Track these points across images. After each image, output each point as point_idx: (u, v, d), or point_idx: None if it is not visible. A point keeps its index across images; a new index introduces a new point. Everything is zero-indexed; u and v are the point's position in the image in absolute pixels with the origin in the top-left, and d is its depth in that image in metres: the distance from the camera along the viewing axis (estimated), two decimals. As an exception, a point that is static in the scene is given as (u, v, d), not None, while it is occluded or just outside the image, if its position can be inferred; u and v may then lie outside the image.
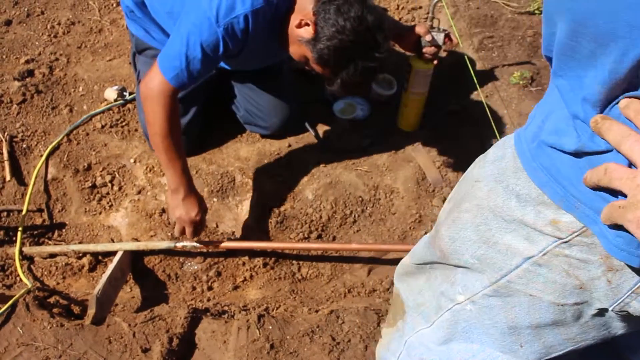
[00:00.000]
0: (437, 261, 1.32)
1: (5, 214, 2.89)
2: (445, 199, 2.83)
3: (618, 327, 1.12)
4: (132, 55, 3.02)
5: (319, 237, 2.79)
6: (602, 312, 1.06)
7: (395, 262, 2.71)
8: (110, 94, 3.20)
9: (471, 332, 1.29)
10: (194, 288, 2.72)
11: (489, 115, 2.97)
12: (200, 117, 2.92)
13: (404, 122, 3.08)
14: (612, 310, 1.03)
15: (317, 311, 2.46)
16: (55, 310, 2.39)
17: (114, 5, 3.75)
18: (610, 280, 0.98)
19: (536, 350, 1.21)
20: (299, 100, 3.11)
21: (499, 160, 1.12)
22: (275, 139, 3.06)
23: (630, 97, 0.82)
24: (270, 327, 2.23)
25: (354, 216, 2.84)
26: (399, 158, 3.00)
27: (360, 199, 2.86)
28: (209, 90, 2.94)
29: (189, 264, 2.77)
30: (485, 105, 3.05)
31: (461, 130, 3.09)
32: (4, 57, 3.45)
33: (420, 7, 3.66)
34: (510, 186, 1.06)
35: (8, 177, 2.95)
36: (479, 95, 3.15)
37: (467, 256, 1.19)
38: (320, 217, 2.81)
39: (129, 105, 3.21)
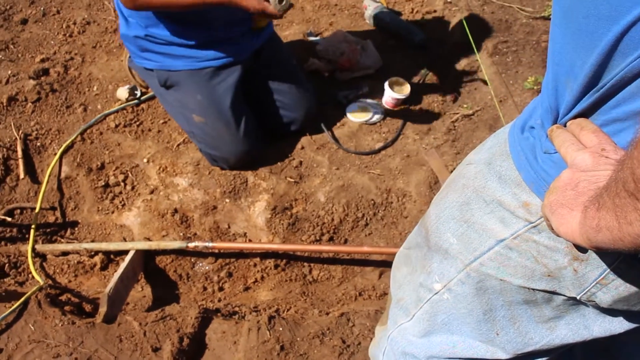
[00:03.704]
0: (420, 243, 1.37)
1: (18, 211, 2.91)
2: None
3: (593, 318, 1.15)
4: (157, 95, 3.07)
5: (331, 239, 2.79)
6: (572, 299, 1.10)
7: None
8: (122, 93, 3.21)
9: (450, 323, 1.33)
10: (205, 288, 2.72)
11: (502, 119, 2.97)
12: (251, 120, 2.93)
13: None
14: (579, 300, 1.07)
15: (327, 313, 2.46)
16: (66, 308, 2.40)
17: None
18: (577, 269, 1.02)
19: (512, 338, 1.25)
20: (317, 97, 3.12)
21: (493, 147, 1.19)
22: (289, 141, 3.07)
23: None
24: (281, 329, 2.23)
25: (366, 219, 2.84)
26: (411, 162, 3.00)
27: (372, 202, 2.86)
28: (246, 100, 2.96)
29: (201, 264, 2.78)
30: (499, 110, 3.05)
31: (474, 134, 3.08)
32: (19, 55, 3.47)
33: (435, 11, 3.66)
34: (496, 168, 1.13)
35: (22, 175, 2.96)
36: (492, 99, 3.14)
37: (448, 234, 1.23)
38: (332, 219, 2.81)
39: (143, 105, 3.22)
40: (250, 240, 2.79)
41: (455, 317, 1.29)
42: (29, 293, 2.32)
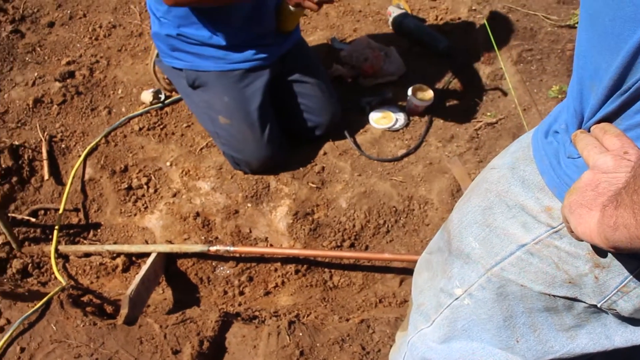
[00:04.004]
0: (442, 247, 1.37)
1: (42, 212, 2.94)
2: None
3: (615, 328, 1.14)
4: (183, 95, 3.09)
5: (352, 245, 2.79)
6: (593, 306, 1.09)
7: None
8: (146, 96, 3.23)
9: (470, 329, 1.32)
10: (225, 292, 2.73)
11: (526, 128, 2.95)
12: (276, 126, 2.95)
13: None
14: (600, 308, 1.07)
15: (347, 320, 2.45)
16: (88, 308, 2.42)
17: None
18: (598, 276, 1.02)
19: (532, 346, 1.24)
20: (341, 102, 3.13)
21: (516, 151, 1.19)
22: (312, 146, 3.07)
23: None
24: (301, 334, 2.23)
25: (388, 226, 2.83)
26: (434, 169, 2.99)
27: (394, 209, 2.85)
28: (271, 104, 2.97)
29: (222, 268, 2.79)
30: (523, 119, 3.03)
31: (497, 142, 3.07)
32: (46, 58, 3.50)
33: (459, 18, 3.65)
34: (519, 172, 1.13)
35: (46, 176, 2.99)
36: (516, 107, 3.13)
37: (470, 238, 1.23)
38: (354, 225, 2.81)
39: (167, 109, 3.25)
40: (271, 245, 2.80)
41: (476, 323, 1.29)
42: (51, 293, 2.34)
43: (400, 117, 3.16)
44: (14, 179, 2.97)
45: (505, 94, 3.26)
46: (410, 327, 1.54)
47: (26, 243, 2.84)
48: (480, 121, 3.17)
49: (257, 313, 2.53)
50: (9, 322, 2.21)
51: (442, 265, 1.35)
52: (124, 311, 2.30)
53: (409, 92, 3.08)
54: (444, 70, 3.41)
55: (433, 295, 1.39)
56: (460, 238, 1.25)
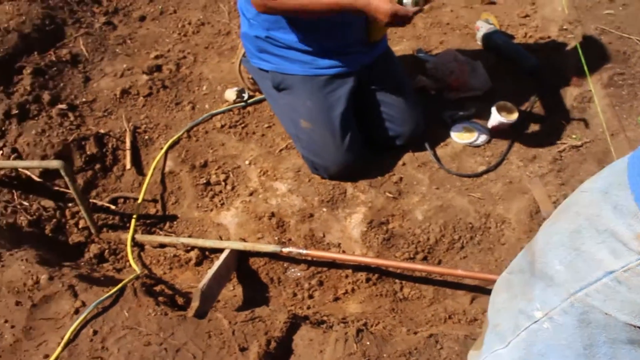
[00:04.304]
0: (524, 268, 1.33)
1: (122, 200, 3.00)
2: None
3: None
4: (267, 97, 3.12)
5: (425, 259, 2.76)
6: None
7: (501, 293, 2.66)
8: (230, 94, 3.27)
9: (547, 354, 1.28)
10: (294, 294, 2.73)
11: (614, 154, 2.88)
12: (357, 134, 2.95)
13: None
14: None
15: (415, 333, 2.42)
16: (160, 298, 2.44)
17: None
18: None
19: None
20: (424, 113, 3.11)
21: (609, 176, 1.15)
22: (391, 155, 3.06)
23: None
24: (368, 343, 2.21)
25: (462, 242, 2.79)
26: (513, 188, 2.94)
27: (470, 225, 2.81)
28: (354, 111, 2.98)
29: (293, 270, 2.79)
30: (610, 144, 2.96)
31: (582, 166, 3.00)
32: (135, 50, 3.58)
33: (549, 37, 3.58)
34: (612, 197, 1.09)
35: (128, 166, 3.06)
36: (603, 132, 3.05)
37: (555, 261, 1.19)
38: (428, 239, 2.78)
39: (249, 108, 3.28)
40: (344, 251, 2.79)
41: (554, 349, 1.25)
42: (126, 280, 2.38)
43: (483, 133, 3.12)
44: (97, 166, 3.05)
45: (592, 118, 3.18)
46: (484, 347, 1.51)
47: (104, 229, 2.91)
48: (565, 143, 3.10)
49: (325, 318, 2.52)
50: (84, 304, 2.25)
51: (523, 286, 1.32)
52: (195, 304, 2.33)
53: (493, 109, 3.03)
54: (530, 89, 3.35)
55: (511, 316, 1.36)
56: (545, 260, 1.22)
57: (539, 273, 1.25)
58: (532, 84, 3.38)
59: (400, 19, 2.39)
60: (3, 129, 2.97)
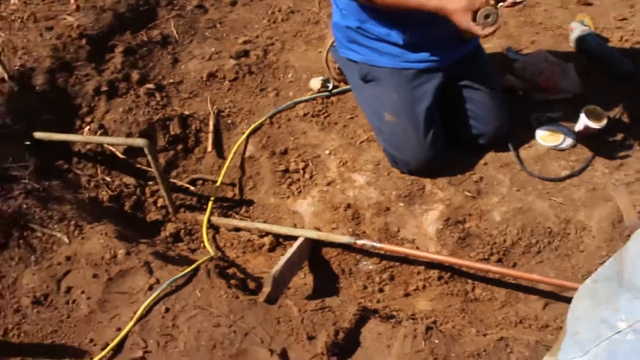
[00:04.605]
0: (611, 277, 1.29)
1: (201, 182, 3.05)
2: (641, 246, 2.67)
3: None
4: (353, 87, 3.12)
5: (499, 260, 2.71)
6: None
7: (575, 301, 2.60)
8: (315, 83, 3.28)
9: None
10: (365, 287, 2.72)
11: None
12: (441, 130, 2.93)
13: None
14: None
15: (485, 335, 2.39)
16: (232, 281, 2.47)
17: (333, 0, 3.85)
18: None
19: None
20: (510, 113, 3.05)
21: None
22: (473, 154, 3.01)
23: None
24: (437, 341, 2.18)
25: (539, 246, 2.73)
26: (596, 195, 2.85)
27: (549, 230, 2.75)
28: (439, 110, 2.96)
29: (365, 262, 2.78)
30: None
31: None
32: (224, 35, 3.63)
33: (646, 42, 3.47)
34: None
35: (210, 148, 3.10)
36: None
37: None
38: (504, 240, 2.73)
39: (333, 99, 3.28)
40: (417, 248, 2.76)
41: None
42: (200, 261, 2.41)
43: (569, 137, 3.04)
44: (179, 146, 3.10)
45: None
46: (561, 354, 1.47)
47: (182, 209, 2.96)
48: (656, 151, 3.00)
49: (394, 313, 2.51)
50: (158, 281, 2.29)
51: (609, 295, 1.28)
52: (266, 289, 2.34)
53: (582, 113, 2.95)
54: (622, 95, 3.24)
55: (593, 325, 1.32)
56: (634, 271, 1.18)
57: (627, 283, 1.21)
58: (625, 90, 3.27)
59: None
60: (92, 105, 3.05)
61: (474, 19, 2.34)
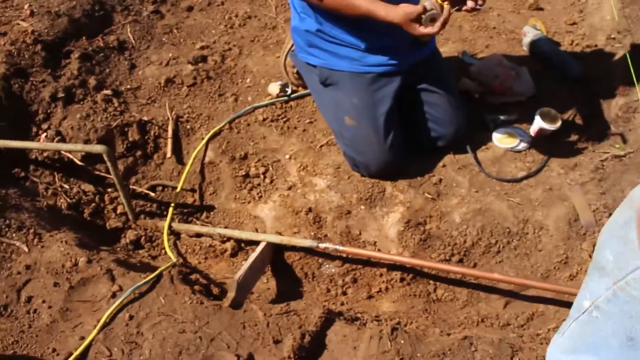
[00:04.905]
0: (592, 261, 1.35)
1: (160, 188, 3.03)
2: (596, 244, 2.72)
3: None
4: (313, 92, 3.13)
5: (460, 261, 2.75)
6: None
7: (535, 299, 2.65)
8: (274, 88, 3.28)
9: (596, 345, 1.29)
10: (328, 290, 2.74)
11: (659, 166, 2.85)
12: (400, 133, 2.95)
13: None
14: None
15: (448, 334, 2.41)
16: (195, 287, 2.46)
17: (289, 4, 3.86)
18: None
19: None
20: (467, 116, 3.10)
21: None
22: (432, 156, 3.04)
23: None
24: (402, 342, 2.20)
25: (499, 246, 2.77)
26: (553, 195, 2.91)
27: (507, 230, 2.79)
28: (398, 113, 2.98)
29: (327, 266, 2.80)
30: (656, 155, 2.92)
31: (623, 176, 2.95)
32: (181, 40, 3.61)
33: (596, 45, 3.54)
34: None
35: (169, 154, 3.08)
36: (648, 143, 3.02)
37: (607, 251, 1.22)
38: (465, 241, 2.77)
39: (292, 103, 3.28)
40: (379, 250, 2.79)
41: (602, 339, 1.26)
42: (163, 267, 2.40)
43: (524, 139, 3.09)
44: (139, 153, 3.08)
45: (637, 128, 3.13)
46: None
47: (142, 216, 2.94)
48: (607, 152, 3.06)
49: (358, 315, 2.52)
50: (121, 289, 2.28)
51: (586, 278, 1.33)
52: (231, 294, 2.34)
53: (537, 115, 3.01)
54: (574, 97, 3.31)
55: (573, 308, 1.38)
56: (600, 251, 1.23)
57: (595, 264, 1.26)
58: (577, 92, 3.34)
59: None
60: (49, 111, 3.01)
61: (421, 23, 2.41)
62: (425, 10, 2.39)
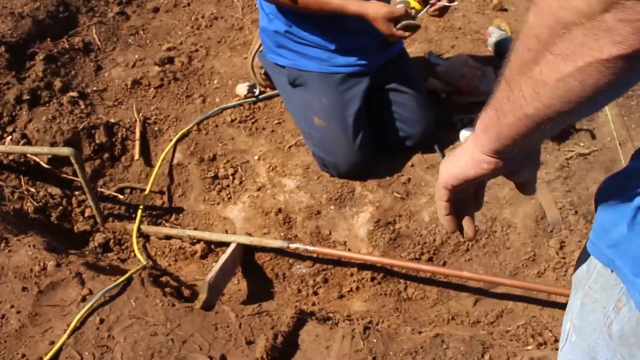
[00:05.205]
0: None
1: (129, 191, 3.00)
2: (563, 241, 2.77)
3: None
4: (281, 92, 3.13)
5: (430, 259, 2.77)
6: None
7: (504, 296, 2.67)
8: (241, 89, 3.27)
9: None
10: (299, 290, 2.74)
11: (623, 162, 2.89)
12: (369, 133, 2.96)
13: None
14: None
15: (420, 333, 2.43)
16: (166, 289, 2.45)
17: (257, 5, 3.85)
18: None
19: None
20: (435, 116, 3.12)
21: None
22: (400, 156, 3.06)
23: None
24: (375, 341, 2.21)
25: (468, 245, 2.80)
26: (520, 194, 2.93)
27: (476, 228, 2.81)
28: (367, 113, 2.99)
29: (298, 266, 2.80)
30: (620, 152, 2.97)
31: (588, 174, 3.00)
32: (147, 42, 3.59)
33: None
34: None
35: (137, 156, 3.06)
36: (612, 141, 3.06)
37: (582, 262, 1.13)
38: (434, 240, 2.79)
39: (260, 104, 3.28)
40: (349, 250, 2.79)
41: None
42: (133, 270, 2.38)
43: (492, 138, 3.12)
44: (106, 155, 3.05)
45: (600, 127, 3.19)
46: None
47: (110, 219, 2.91)
48: (573, 151, 3.11)
49: (330, 315, 2.53)
50: (91, 292, 2.25)
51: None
52: (202, 296, 2.33)
53: None
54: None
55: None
56: (577, 263, 1.19)
57: (574, 281, 1.21)
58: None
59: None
60: (13, 114, 2.97)
61: (395, 25, 2.44)
62: (407, 14, 2.44)
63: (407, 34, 2.49)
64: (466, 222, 1.19)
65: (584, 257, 1.13)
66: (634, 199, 0.89)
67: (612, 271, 0.96)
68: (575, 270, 1.19)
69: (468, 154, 0.99)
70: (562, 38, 0.71)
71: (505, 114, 0.85)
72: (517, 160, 0.99)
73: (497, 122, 0.87)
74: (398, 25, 2.46)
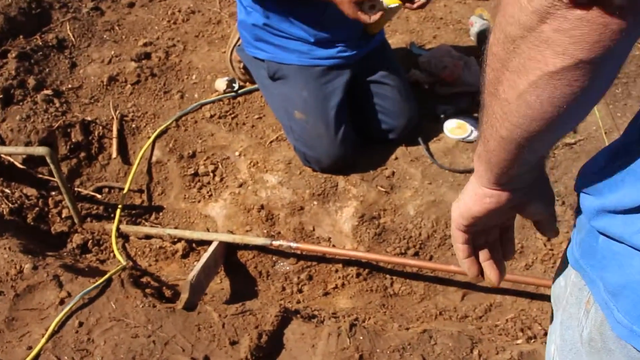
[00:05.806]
0: None
1: (107, 190, 2.94)
2: (550, 232, 2.73)
3: None
4: (261, 86, 3.08)
5: (416, 254, 2.72)
6: None
7: (492, 290, 2.63)
8: (220, 84, 3.21)
9: None
10: (283, 288, 2.69)
11: (608, 152, 2.86)
12: (351, 127, 2.92)
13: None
14: None
15: (407, 329, 2.39)
16: (147, 290, 2.39)
17: (235, -1, 3.81)
18: None
19: None
20: (418, 107, 3.07)
21: None
22: (384, 149, 3.01)
23: None
24: (361, 338, 2.17)
25: (454, 238, 2.76)
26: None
27: (462, 221, 2.78)
28: (349, 106, 2.95)
29: (282, 263, 2.75)
30: (606, 141, 2.94)
31: (574, 164, 2.97)
32: (123, 37, 3.52)
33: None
34: None
35: (114, 155, 3.00)
36: (597, 130, 3.03)
37: (561, 278, 1.08)
38: (420, 234, 2.74)
39: (240, 99, 3.22)
40: (334, 246, 2.74)
41: None
42: (113, 271, 2.33)
43: (476, 129, 3.08)
44: (83, 154, 2.99)
45: (592, 114, 3.15)
46: None
47: (88, 219, 2.86)
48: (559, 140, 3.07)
49: (316, 312, 2.48)
50: (69, 295, 2.20)
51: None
52: (184, 296, 2.28)
53: None
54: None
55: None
56: (555, 275, 1.13)
57: (553, 299, 1.16)
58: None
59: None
60: (-14, 113, 2.90)
61: (361, 9, 2.41)
62: None
63: (373, 16, 2.44)
64: (487, 266, 1.12)
65: (562, 267, 1.07)
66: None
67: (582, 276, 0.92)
68: (553, 282, 1.13)
69: (472, 190, 0.96)
70: (514, 53, 0.71)
71: (487, 140, 0.84)
72: (521, 191, 0.95)
73: (484, 150, 0.86)
74: (363, 5, 2.43)
